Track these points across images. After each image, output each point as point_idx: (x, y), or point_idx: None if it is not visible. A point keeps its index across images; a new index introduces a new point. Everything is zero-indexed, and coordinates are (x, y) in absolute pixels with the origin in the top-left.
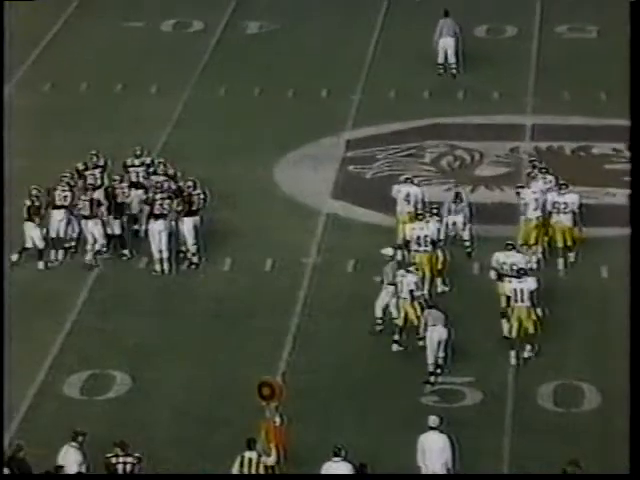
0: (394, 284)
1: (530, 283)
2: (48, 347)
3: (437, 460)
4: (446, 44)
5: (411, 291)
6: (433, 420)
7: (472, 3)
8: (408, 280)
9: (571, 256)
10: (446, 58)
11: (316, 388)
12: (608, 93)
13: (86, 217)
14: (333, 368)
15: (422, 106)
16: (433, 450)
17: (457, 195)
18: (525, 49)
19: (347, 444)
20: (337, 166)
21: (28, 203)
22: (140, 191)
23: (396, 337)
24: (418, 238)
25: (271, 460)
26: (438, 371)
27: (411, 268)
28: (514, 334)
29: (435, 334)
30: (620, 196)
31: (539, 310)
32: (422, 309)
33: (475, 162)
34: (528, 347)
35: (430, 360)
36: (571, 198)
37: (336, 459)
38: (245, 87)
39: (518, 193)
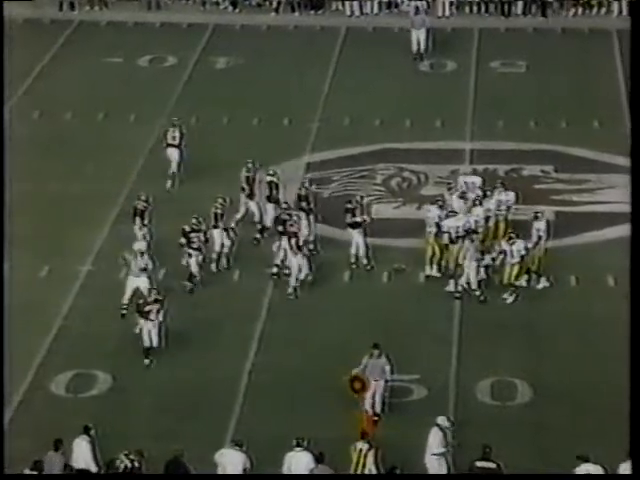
0: None
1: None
2: (37, 349)
3: None
4: (418, 35)
5: (522, 256)
6: None
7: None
8: (518, 246)
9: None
10: (419, 47)
11: (279, 386)
12: (536, 121)
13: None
14: (294, 367)
15: (373, 133)
16: None
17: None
18: (464, 82)
19: (307, 435)
20: (298, 186)
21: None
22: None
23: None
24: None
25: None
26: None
27: (513, 234)
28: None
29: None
30: (547, 212)
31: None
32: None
33: (421, 183)
34: (543, 278)
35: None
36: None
37: (297, 449)
38: (215, 116)
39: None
